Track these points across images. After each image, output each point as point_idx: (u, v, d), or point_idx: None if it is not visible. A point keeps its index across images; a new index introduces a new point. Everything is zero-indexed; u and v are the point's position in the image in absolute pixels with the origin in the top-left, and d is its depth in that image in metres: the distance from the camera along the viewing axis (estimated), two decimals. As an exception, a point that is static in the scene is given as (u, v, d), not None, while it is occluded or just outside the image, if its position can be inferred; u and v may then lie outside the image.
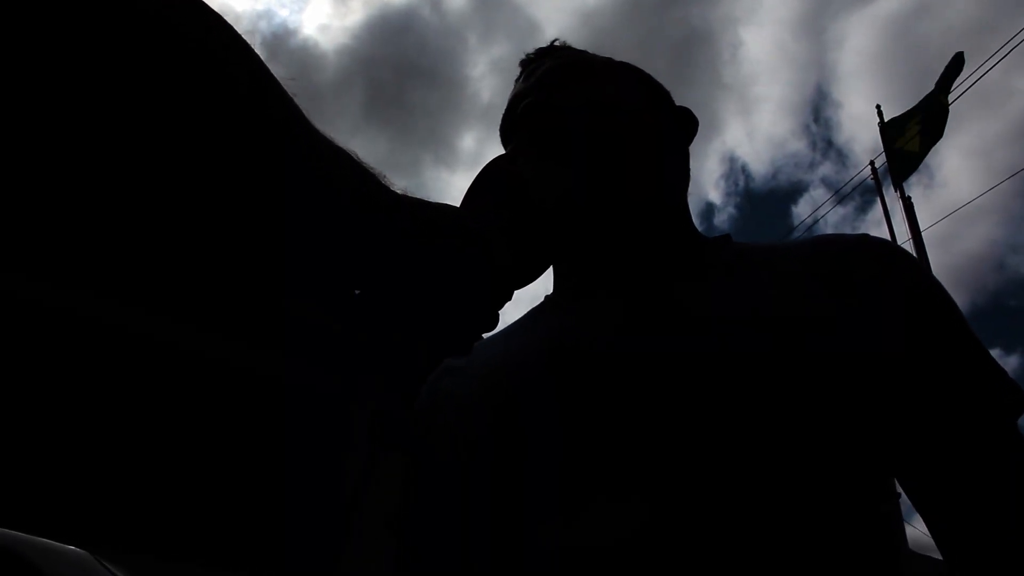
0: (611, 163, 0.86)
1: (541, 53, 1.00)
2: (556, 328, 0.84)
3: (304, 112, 0.51)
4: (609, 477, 0.66)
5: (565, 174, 0.86)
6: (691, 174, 0.96)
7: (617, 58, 1.02)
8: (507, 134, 0.96)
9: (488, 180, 0.78)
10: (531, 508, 0.69)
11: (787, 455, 0.65)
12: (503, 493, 0.72)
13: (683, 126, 0.97)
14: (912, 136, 10.17)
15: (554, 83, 0.93)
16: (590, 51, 1.01)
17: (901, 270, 0.76)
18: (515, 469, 0.72)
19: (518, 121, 0.92)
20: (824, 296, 0.73)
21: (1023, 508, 0.65)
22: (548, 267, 0.83)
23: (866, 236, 0.80)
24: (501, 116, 0.98)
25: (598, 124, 0.88)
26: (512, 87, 1.01)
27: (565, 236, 0.88)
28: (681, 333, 0.73)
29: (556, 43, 1.02)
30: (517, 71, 1.02)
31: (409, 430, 0.92)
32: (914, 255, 0.81)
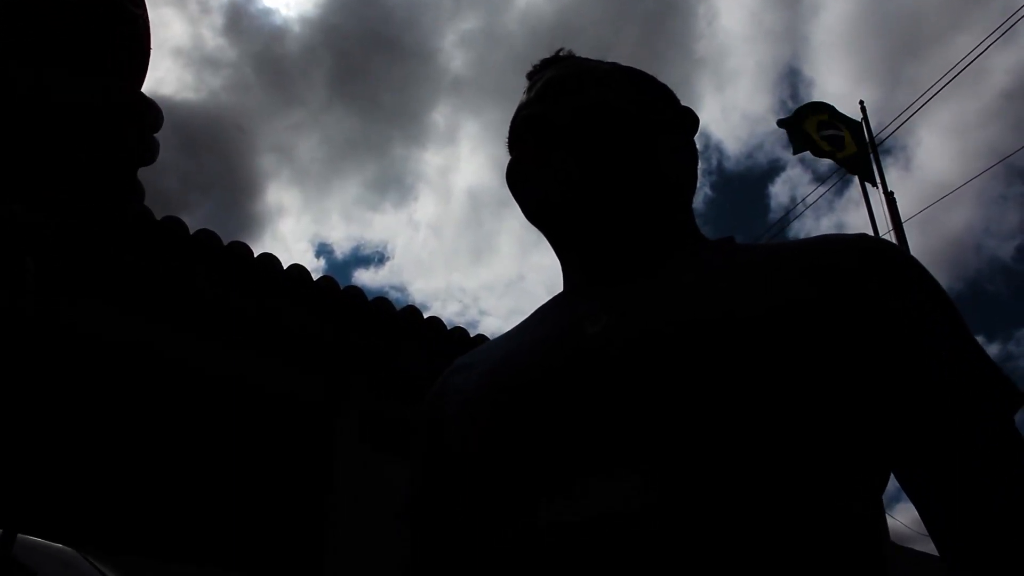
0: (599, 166, 0.91)
1: (545, 63, 1.05)
2: (554, 322, 0.88)
3: None
4: (592, 459, 0.70)
5: (557, 178, 0.91)
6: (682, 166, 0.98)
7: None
8: (510, 144, 1.00)
9: None
10: (526, 489, 0.73)
11: (753, 438, 0.68)
12: (500, 476, 0.76)
13: (686, 125, 1.01)
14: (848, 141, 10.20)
15: (552, 94, 0.98)
16: (593, 56, 1.05)
17: (895, 267, 0.78)
18: (511, 454, 0.76)
19: (516, 132, 0.98)
20: (798, 288, 0.76)
21: (1018, 502, 0.66)
22: None
23: (864, 235, 0.83)
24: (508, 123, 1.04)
25: (589, 131, 0.92)
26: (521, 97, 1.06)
27: (561, 235, 0.96)
28: (628, 325, 0.79)
29: (561, 52, 1.06)
30: (523, 79, 1.07)
31: (409, 429, 0.97)
32: (911, 254, 0.83)
